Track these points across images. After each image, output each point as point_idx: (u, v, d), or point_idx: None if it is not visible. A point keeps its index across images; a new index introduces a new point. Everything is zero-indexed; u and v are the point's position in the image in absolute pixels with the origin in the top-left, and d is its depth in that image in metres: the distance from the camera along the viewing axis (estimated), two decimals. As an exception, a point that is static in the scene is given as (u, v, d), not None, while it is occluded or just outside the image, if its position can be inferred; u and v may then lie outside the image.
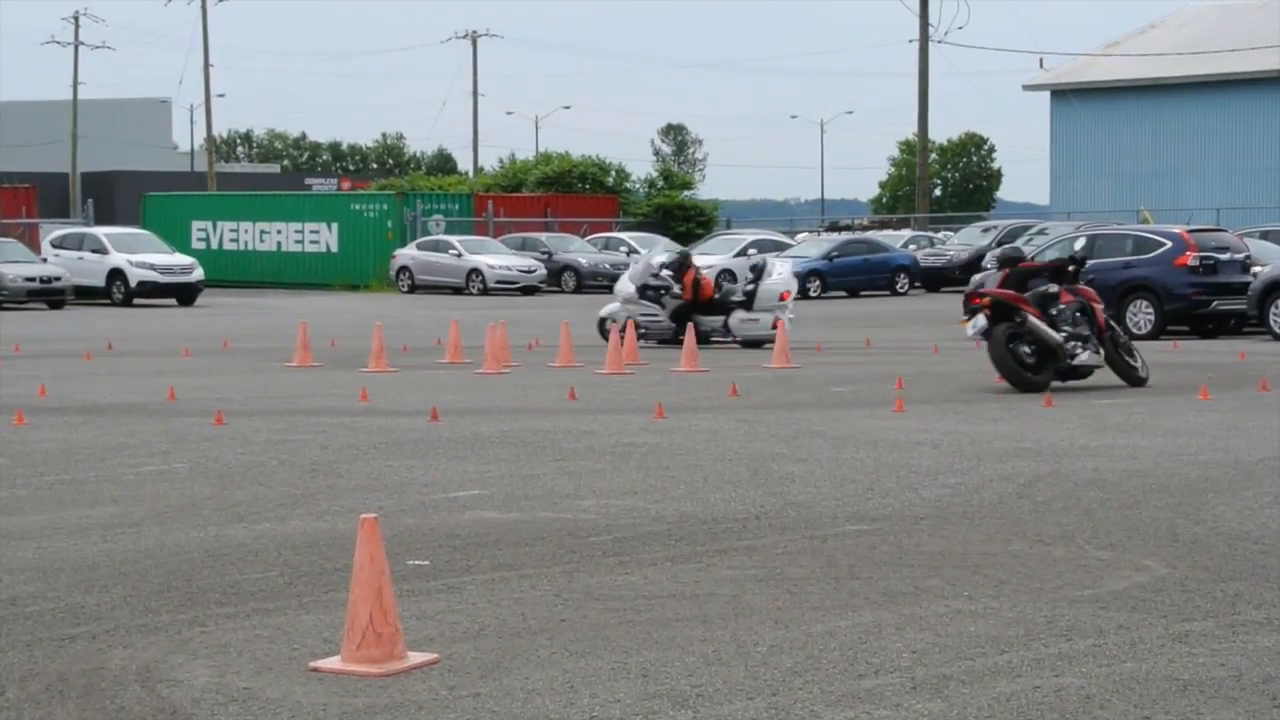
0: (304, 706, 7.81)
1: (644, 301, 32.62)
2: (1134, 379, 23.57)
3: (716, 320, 32.14)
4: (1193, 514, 12.80)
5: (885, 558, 11.17)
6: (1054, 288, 23.15)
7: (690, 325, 29.19)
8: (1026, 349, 22.45)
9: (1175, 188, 71.10)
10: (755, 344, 31.48)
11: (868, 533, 12.12)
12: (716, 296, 32.64)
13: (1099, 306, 23.53)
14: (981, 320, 22.47)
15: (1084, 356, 22.90)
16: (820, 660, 8.52)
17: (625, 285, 33.24)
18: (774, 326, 30.55)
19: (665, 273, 32.77)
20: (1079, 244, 27.69)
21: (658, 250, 35.86)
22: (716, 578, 10.57)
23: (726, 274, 33.07)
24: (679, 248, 37.27)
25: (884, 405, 20.69)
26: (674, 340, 31.32)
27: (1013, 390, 22.33)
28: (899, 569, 10.79)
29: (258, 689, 8.10)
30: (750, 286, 32.52)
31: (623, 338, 27.67)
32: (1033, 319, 22.38)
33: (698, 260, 36.21)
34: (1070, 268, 23.93)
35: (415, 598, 9.93)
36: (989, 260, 52.73)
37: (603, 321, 32.49)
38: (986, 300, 22.59)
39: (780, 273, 33.20)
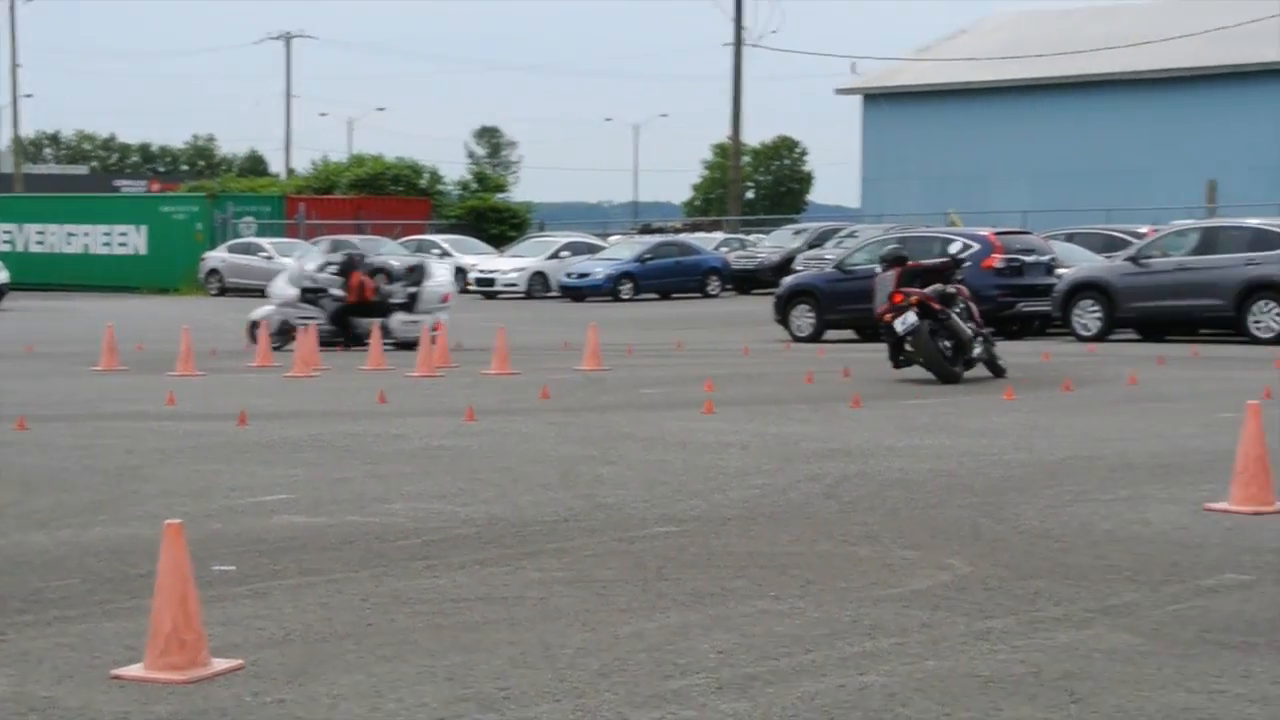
0: (105, 714, 7.70)
1: (303, 304, 32.53)
2: (999, 370, 25.01)
3: (374, 321, 31.86)
4: (995, 513, 12.98)
5: (693, 559, 11.22)
6: (952, 288, 24.55)
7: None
8: (946, 343, 24.03)
9: (983, 191, 72.07)
10: (413, 345, 31.43)
11: (676, 534, 12.17)
12: (376, 298, 32.71)
13: (974, 306, 25.12)
14: (913, 317, 23.69)
15: (978, 350, 24.56)
16: (627, 662, 8.54)
17: (283, 288, 33.10)
18: (435, 328, 30.75)
19: (324, 275, 32.78)
20: (954, 246, 28.43)
21: (315, 252, 35.91)
22: (525, 580, 10.57)
23: (382, 274, 33.33)
24: (345, 247, 37.44)
25: (694, 407, 20.80)
26: (332, 342, 31.37)
27: (818, 391, 22.57)
28: (707, 570, 10.84)
29: (58, 698, 7.98)
30: (413, 289, 32.81)
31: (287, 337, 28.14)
32: (954, 316, 23.98)
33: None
34: (954, 269, 25.19)
35: (221, 604, 9.83)
36: (816, 257, 53.30)
37: (254, 325, 32.24)
38: (915, 299, 23.80)
39: (441, 276, 33.76)
